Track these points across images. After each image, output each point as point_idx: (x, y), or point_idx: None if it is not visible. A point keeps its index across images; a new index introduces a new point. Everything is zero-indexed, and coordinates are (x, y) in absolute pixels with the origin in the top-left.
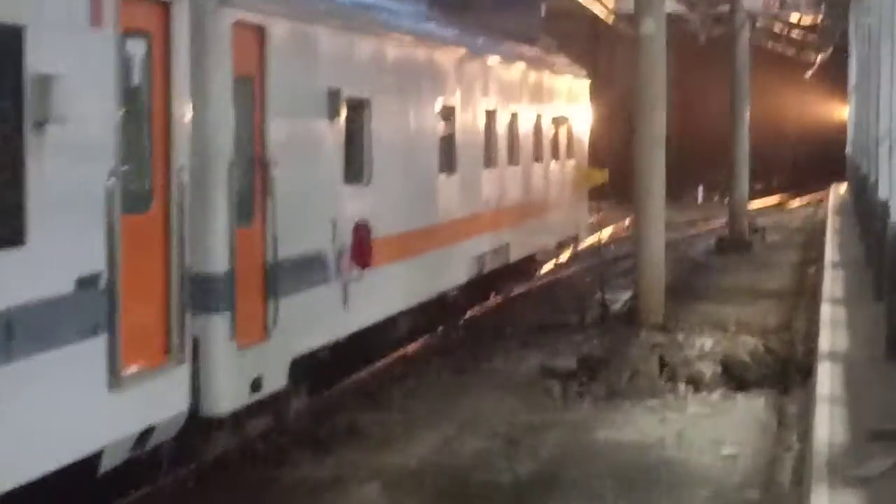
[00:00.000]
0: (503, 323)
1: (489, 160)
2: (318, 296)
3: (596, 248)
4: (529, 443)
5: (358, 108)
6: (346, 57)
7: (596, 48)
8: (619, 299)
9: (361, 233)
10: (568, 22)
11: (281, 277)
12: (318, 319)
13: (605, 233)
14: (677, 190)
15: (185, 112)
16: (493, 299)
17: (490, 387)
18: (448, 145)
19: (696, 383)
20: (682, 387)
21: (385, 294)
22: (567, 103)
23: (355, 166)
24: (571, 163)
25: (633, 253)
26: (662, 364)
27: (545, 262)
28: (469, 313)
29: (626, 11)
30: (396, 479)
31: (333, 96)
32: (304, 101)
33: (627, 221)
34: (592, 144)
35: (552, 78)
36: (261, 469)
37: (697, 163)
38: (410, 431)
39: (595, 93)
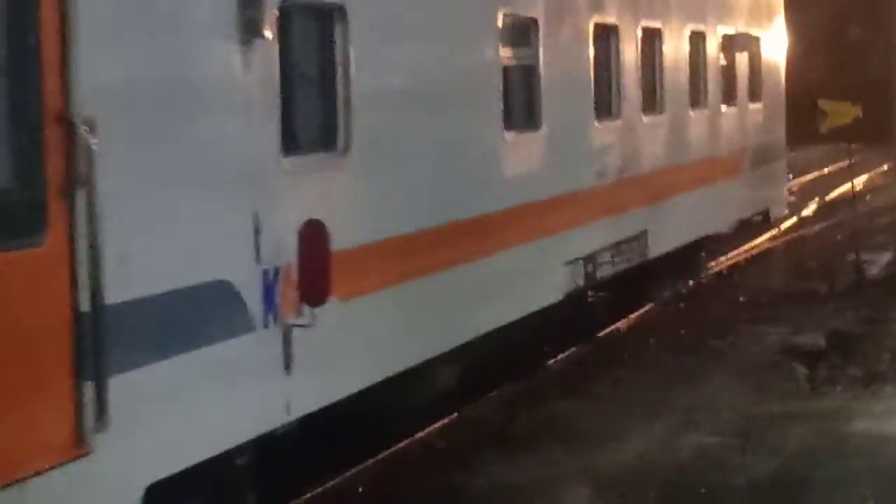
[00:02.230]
0: (736, 291)
1: (603, 104)
2: (222, 359)
3: (849, 200)
4: (769, 438)
5: (319, 20)
6: None
7: None
8: (878, 262)
9: (313, 243)
10: None
11: (120, 335)
12: (220, 402)
13: (859, 182)
14: None
15: None
16: (641, 311)
17: (720, 370)
18: (522, 77)
19: None
20: None
21: (373, 344)
22: (748, 22)
23: (308, 122)
24: (757, 107)
25: (894, 204)
26: None
27: (724, 250)
28: (692, 281)
29: None
30: (609, 482)
31: None
32: (172, 5)
33: (886, 167)
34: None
35: None
36: (444, 472)
37: None
38: (624, 425)
39: (841, 9)
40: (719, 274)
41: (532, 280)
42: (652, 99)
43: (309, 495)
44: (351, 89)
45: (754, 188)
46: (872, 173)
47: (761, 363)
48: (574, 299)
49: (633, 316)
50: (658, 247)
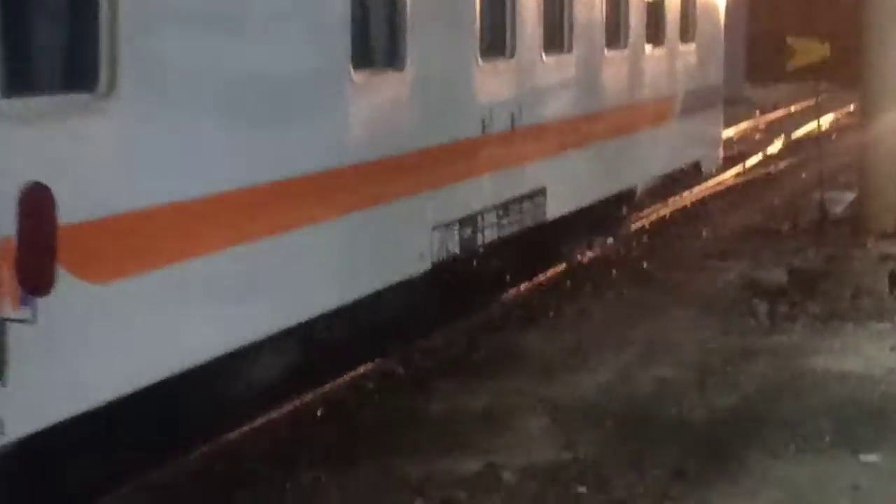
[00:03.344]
0: (699, 227)
1: (492, 40)
2: None
3: (814, 139)
4: (728, 373)
5: None
6: None
7: None
8: (842, 201)
9: (34, 214)
10: None
11: None
12: None
13: (825, 121)
14: None
15: None
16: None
17: (680, 305)
18: (380, 5)
19: None
20: None
21: (146, 337)
22: None
23: (50, 52)
24: (689, 48)
25: (860, 145)
26: (894, 280)
27: (650, 205)
28: (655, 216)
29: None
30: (567, 413)
31: None
32: None
33: (853, 106)
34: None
35: None
36: (404, 399)
37: None
38: (583, 357)
39: None
40: (683, 209)
41: (386, 249)
42: (557, 36)
43: (267, 417)
44: (120, 7)
45: (683, 138)
46: (839, 113)
47: (722, 298)
48: (450, 267)
49: (594, 248)
50: (559, 206)
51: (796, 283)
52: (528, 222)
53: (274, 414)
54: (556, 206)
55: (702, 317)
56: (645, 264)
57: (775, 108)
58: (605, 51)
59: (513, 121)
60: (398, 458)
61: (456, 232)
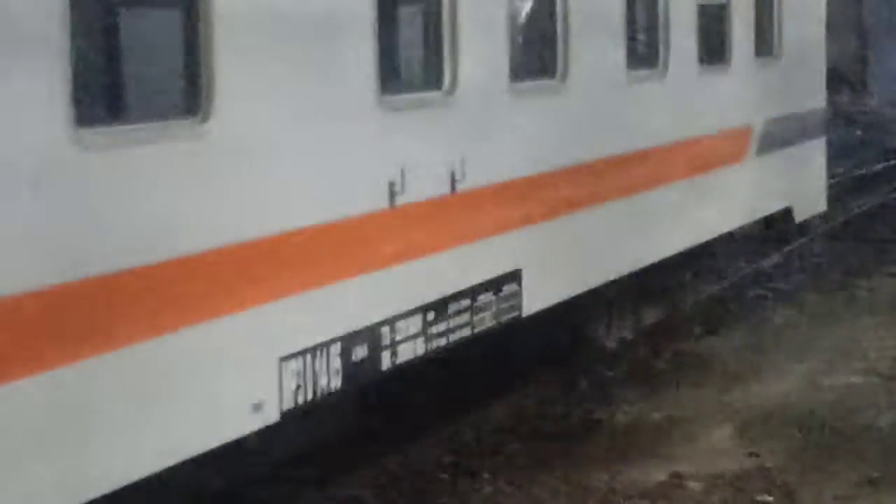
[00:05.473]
0: (888, 232)
1: (406, 70)
2: None
3: None
4: None
5: None
6: None
7: None
8: None
9: None
10: None
11: None
12: None
13: None
14: None
15: None
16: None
17: (866, 311)
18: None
19: None
20: None
21: None
22: None
23: None
24: (771, 65)
25: None
26: None
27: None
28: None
29: None
30: (752, 422)
31: None
32: None
33: None
34: None
35: None
36: (583, 410)
37: None
38: (766, 364)
39: None
40: (869, 213)
41: (178, 405)
42: (540, 57)
43: (451, 427)
44: None
45: (764, 181)
46: None
47: None
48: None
49: (773, 255)
50: (546, 293)
51: None
52: (488, 323)
53: (457, 424)
54: (541, 295)
55: (889, 323)
56: (829, 271)
57: None
58: (627, 74)
59: (453, 180)
60: (582, 468)
61: (335, 357)
